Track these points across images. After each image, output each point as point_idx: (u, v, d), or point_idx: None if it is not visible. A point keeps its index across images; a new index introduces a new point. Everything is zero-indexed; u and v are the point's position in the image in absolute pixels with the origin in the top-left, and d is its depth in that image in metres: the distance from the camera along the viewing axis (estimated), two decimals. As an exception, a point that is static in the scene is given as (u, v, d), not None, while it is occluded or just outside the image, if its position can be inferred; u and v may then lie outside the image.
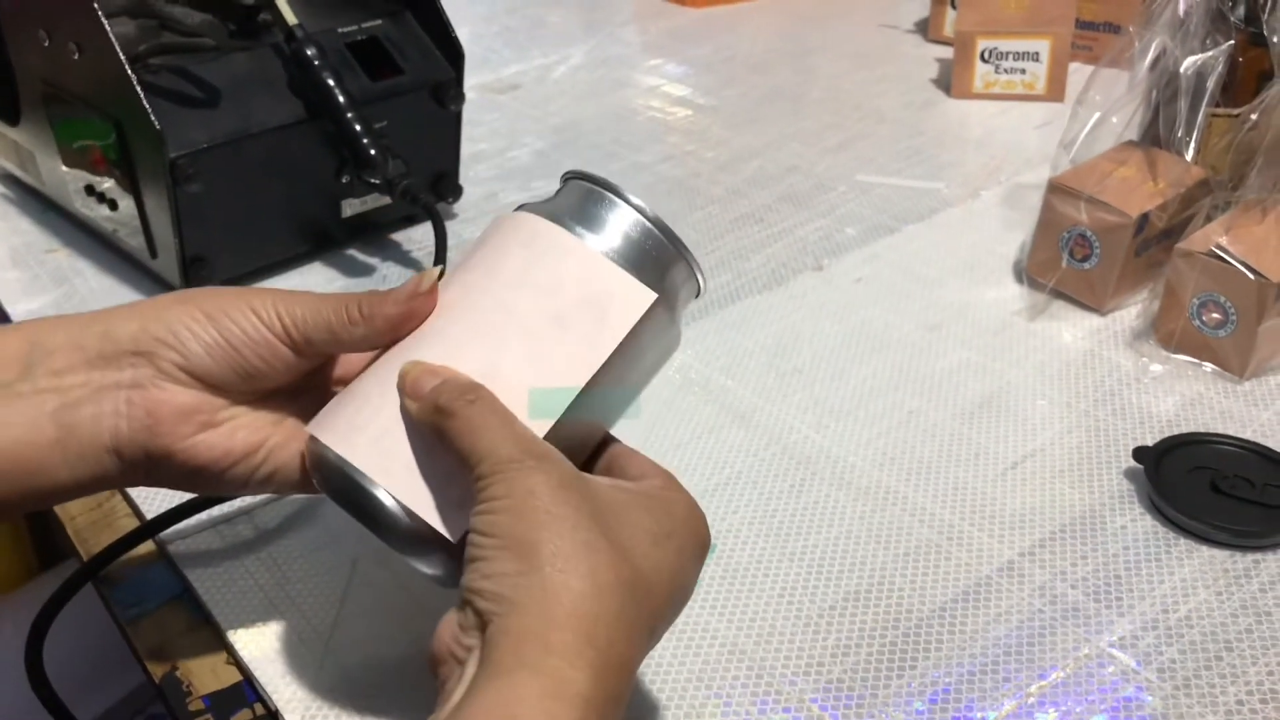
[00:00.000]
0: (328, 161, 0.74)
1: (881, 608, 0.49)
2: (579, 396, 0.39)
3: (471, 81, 1.06)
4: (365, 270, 0.77)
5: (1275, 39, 0.67)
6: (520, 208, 0.42)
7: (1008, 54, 0.98)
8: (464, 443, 0.36)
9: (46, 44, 0.71)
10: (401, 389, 0.39)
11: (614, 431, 0.42)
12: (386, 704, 0.45)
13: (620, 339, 0.39)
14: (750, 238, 0.80)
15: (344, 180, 0.74)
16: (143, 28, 0.72)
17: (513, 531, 0.34)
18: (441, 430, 0.37)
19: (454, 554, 0.37)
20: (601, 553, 0.34)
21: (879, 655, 0.47)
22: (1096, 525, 0.53)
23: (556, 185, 0.43)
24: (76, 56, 0.69)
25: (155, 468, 0.41)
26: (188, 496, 0.52)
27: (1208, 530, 0.52)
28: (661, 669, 0.46)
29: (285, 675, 0.47)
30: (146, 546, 0.54)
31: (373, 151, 0.71)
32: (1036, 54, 0.98)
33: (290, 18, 0.72)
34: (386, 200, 0.76)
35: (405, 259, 0.78)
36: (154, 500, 0.56)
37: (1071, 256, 0.68)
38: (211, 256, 0.72)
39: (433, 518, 0.38)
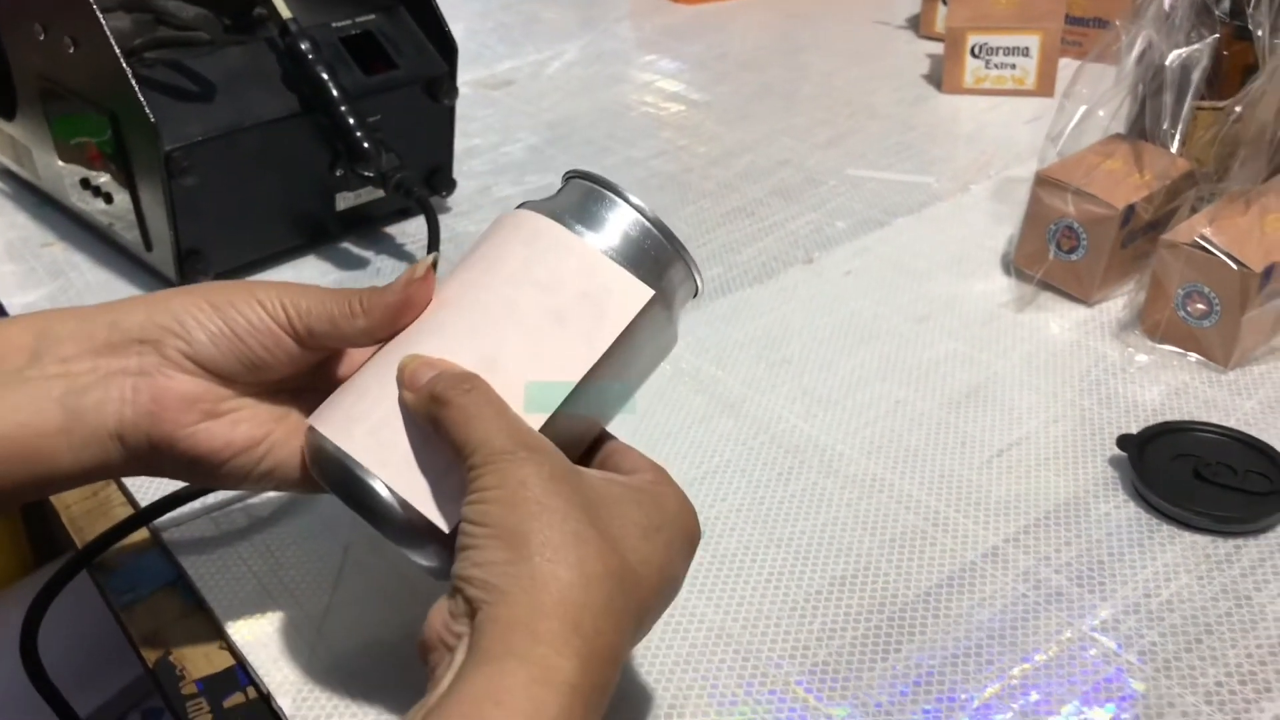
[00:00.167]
0: (322, 155, 0.74)
1: (867, 593, 0.50)
2: (575, 391, 0.39)
3: (466, 77, 1.06)
4: (359, 263, 0.78)
5: (1260, 33, 0.67)
6: (521, 205, 0.43)
7: (998, 49, 0.99)
8: (458, 432, 0.37)
9: (42, 38, 0.72)
10: (400, 381, 0.39)
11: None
12: (377, 688, 0.45)
13: (617, 335, 0.40)
14: (741, 231, 0.81)
15: (338, 174, 0.75)
16: (138, 22, 0.73)
17: (504, 521, 0.34)
18: (437, 420, 0.38)
19: (449, 546, 0.38)
20: (590, 544, 0.34)
21: (864, 639, 0.47)
22: (1080, 512, 0.54)
23: (549, 179, 0.44)
24: (72, 51, 0.70)
25: (157, 456, 0.41)
26: (183, 485, 0.53)
27: (1190, 516, 0.53)
28: (649, 653, 0.47)
29: (277, 659, 0.47)
30: (140, 534, 0.54)
31: (366, 145, 0.72)
32: (1026, 49, 0.99)
33: (285, 12, 0.72)
34: (380, 193, 0.77)
35: (399, 252, 0.79)
36: (148, 489, 0.57)
37: (1059, 248, 0.69)
38: (206, 249, 0.72)
39: (428, 508, 0.38)
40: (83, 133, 0.73)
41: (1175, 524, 0.53)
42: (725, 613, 0.49)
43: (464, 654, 0.33)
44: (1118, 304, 0.69)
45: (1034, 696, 0.45)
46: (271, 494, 0.56)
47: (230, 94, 0.71)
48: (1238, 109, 0.66)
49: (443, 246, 0.77)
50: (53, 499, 0.58)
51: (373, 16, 0.78)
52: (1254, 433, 0.57)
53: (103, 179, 0.74)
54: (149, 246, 0.73)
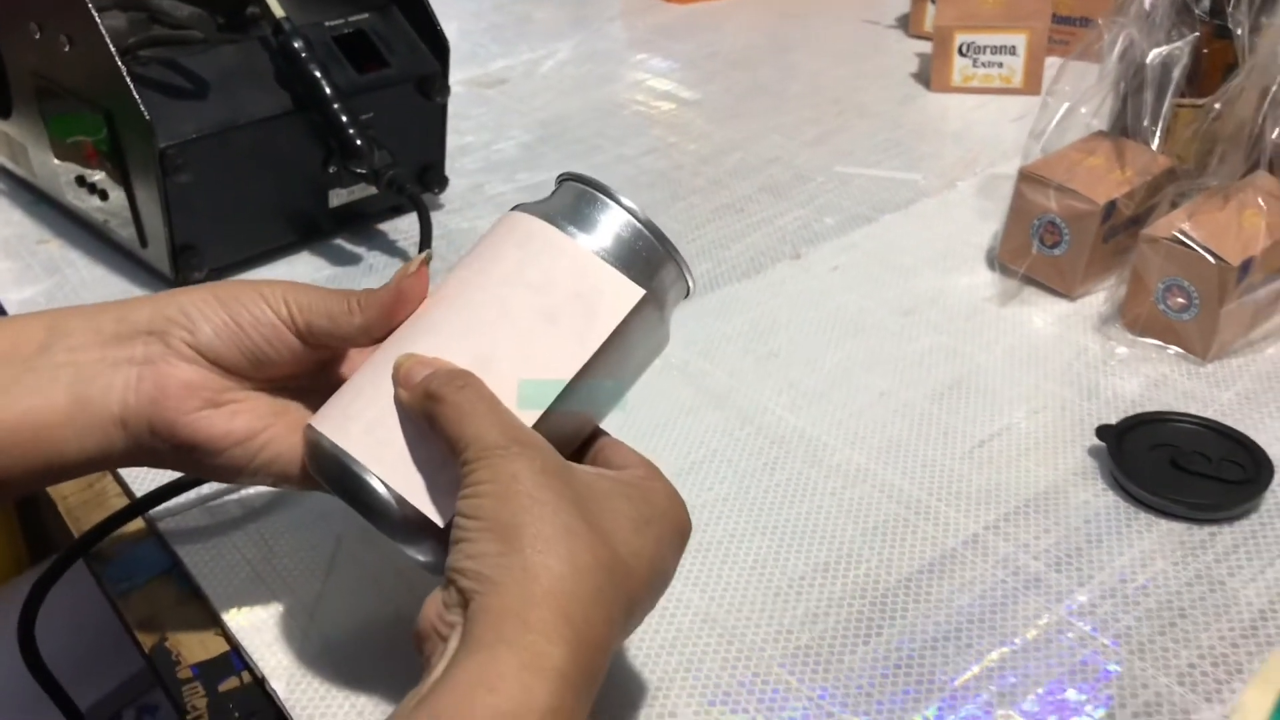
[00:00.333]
0: (315, 152, 0.75)
1: (850, 579, 0.51)
2: (567, 388, 0.40)
3: (459, 76, 1.07)
4: (352, 259, 0.79)
5: (1239, 31, 0.68)
6: (516, 208, 0.43)
7: (985, 48, 1.00)
8: (452, 429, 0.38)
9: (38, 37, 0.73)
10: (395, 379, 0.40)
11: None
12: (369, 672, 0.46)
13: (608, 333, 0.41)
14: (730, 227, 0.82)
15: (331, 171, 0.76)
16: (132, 21, 0.74)
17: (496, 515, 0.35)
18: (431, 416, 0.39)
19: (443, 540, 0.38)
20: (581, 536, 0.35)
21: (846, 623, 0.48)
22: (1060, 500, 0.55)
23: (541, 177, 0.45)
24: (68, 49, 0.71)
25: (157, 442, 0.42)
26: (179, 476, 0.54)
27: (1166, 504, 0.54)
28: (636, 638, 0.48)
29: (271, 645, 0.48)
30: (136, 524, 0.55)
31: (359, 142, 0.73)
32: (1013, 48, 1.00)
33: (278, 11, 0.73)
34: (373, 190, 0.78)
35: (391, 248, 0.80)
36: (144, 480, 0.58)
37: (1042, 243, 0.70)
38: (201, 245, 0.73)
39: (423, 504, 0.39)
40: (78, 130, 0.74)
41: (1152, 512, 0.54)
42: (711, 598, 0.50)
43: (457, 642, 0.34)
44: (1100, 298, 0.70)
45: (1011, 679, 0.46)
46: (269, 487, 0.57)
47: (224, 92, 0.72)
48: (1217, 106, 0.67)
49: (435, 243, 0.78)
50: (50, 490, 0.59)
51: (365, 15, 0.79)
52: (1231, 423, 0.58)
53: (98, 176, 0.75)
54: (144, 243, 0.74)
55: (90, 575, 0.55)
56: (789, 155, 0.92)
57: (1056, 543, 0.52)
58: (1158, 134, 0.70)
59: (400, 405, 0.40)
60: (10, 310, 0.74)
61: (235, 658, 0.49)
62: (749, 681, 0.46)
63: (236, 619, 0.49)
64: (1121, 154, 0.71)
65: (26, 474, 0.42)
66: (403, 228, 0.82)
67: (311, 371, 0.45)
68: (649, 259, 0.42)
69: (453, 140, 0.88)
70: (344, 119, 0.73)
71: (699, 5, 1.31)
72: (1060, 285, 0.71)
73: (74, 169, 0.77)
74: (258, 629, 0.49)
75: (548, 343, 0.40)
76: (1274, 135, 0.64)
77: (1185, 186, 0.68)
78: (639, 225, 0.42)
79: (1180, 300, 0.64)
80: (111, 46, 0.67)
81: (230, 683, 0.48)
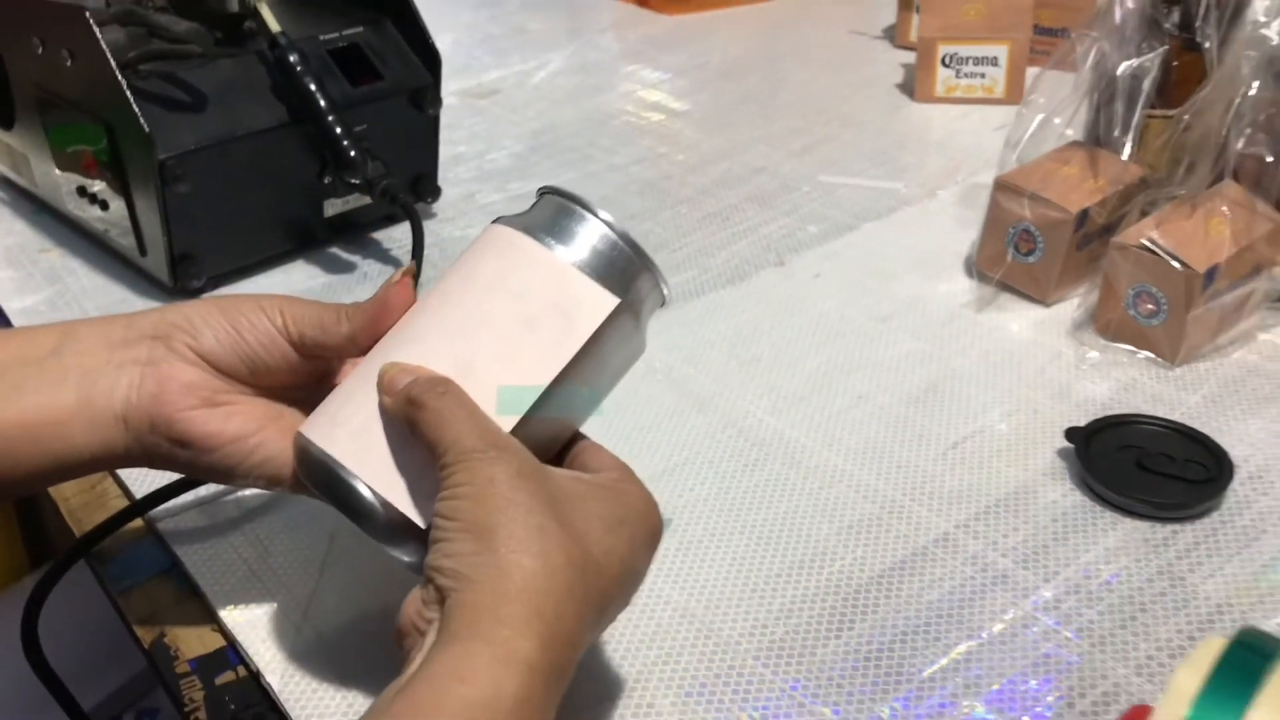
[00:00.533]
0: (310, 163, 0.77)
1: (824, 575, 0.53)
2: (545, 394, 0.42)
3: (453, 87, 1.10)
4: (347, 267, 0.81)
5: (1207, 45, 0.71)
6: (497, 220, 0.45)
7: (968, 59, 1.02)
8: (432, 433, 0.40)
9: (40, 51, 0.75)
10: (379, 386, 0.42)
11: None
12: (359, 666, 0.48)
13: (584, 341, 0.42)
14: (716, 235, 0.83)
15: (326, 181, 0.78)
16: (132, 35, 0.75)
17: (472, 515, 0.37)
18: (413, 422, 0.40)
19: (426, 542, 0.40)
20: (553, 536, 0.37)
21: (819, 618, 0.50)
22: (1029, 500, 0.57)
23: (533, 186, 0.47)
24: (69, 63, 0.73)
25: (157, 439, 0.44)
26: (177, 478, 0.56)
27: (1131, 504, 0.55)
28: (615, 633, 0.49)
29: (266, 640, 0.50)
30: (136, 524, 0.57)
31: (353, 153, 0.75)
32: (995, 59, 1.02)
33: (274, 25, 0.75)
34: (367, 200, 0.80)
35: (385, 257, 0.82)
36: (144, 483, 0.59)
37: (1017, 251, 0.72)
38: (199, 254, 0.75)
39: (406, 507, 0.41)
40: (79, 142, 0.76)
41: (1117, 511, 0.56)
42: (689, 594, 0.52)
43: (434, 637, 0.36)
44: (1074, 304, 0.72)
45: (977, 670, 0.47)
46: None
47: (222, 105, 0.74)
48: (1186, 118, 0.69)
49: (428, 251, 0.80)
50: (52, 493, 0.61)
51: (359, 29, 0.81)
52: (1198, 425, 0.60)
53: (98, 186, 0.77)
54: (144, 252, 0.76)
55: (89, 581, 0.57)
56: (775, 165, 0.94)
57: (1024, 540, 0.54)
58: (1128, 144, 0.72)
59: (384, 412, 0.42)
60: (13, 318, 0.76)
61: (231, 653, 0.50)
62: (725, 674, 0.48)
63: (233, 615, 0.51)
64: (1095, 163, 0.73)
65: (35, 471, 0.44)
66: (396, 236, 0.84)
67: (307, 382, 0.47)
68: (625, 270, 0.43)
69: (446, 150, 0.90)
70: (338, 131, 0.75)
71: (689, 16, 1.33)
72: (1035, 292, 0.73)
73: (75, 179, 0.79)
74: (253, 625, 0.51)
75: (526, 351, 0.42)
76: (1238, 146, 0.65)
77: (1155, 195, 0.70)
78: (615, 237, 0.43)
79: (1149, 306, 0.66)
80: (112, 60, 0.69)
81: (226, 676, 0.49)
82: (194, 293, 0.76)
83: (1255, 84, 0.64)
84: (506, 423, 0.41)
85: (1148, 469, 0.57)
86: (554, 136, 1.02)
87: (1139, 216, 0.69)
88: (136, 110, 0.69)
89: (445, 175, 0.90)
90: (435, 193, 0.87)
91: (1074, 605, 0.51)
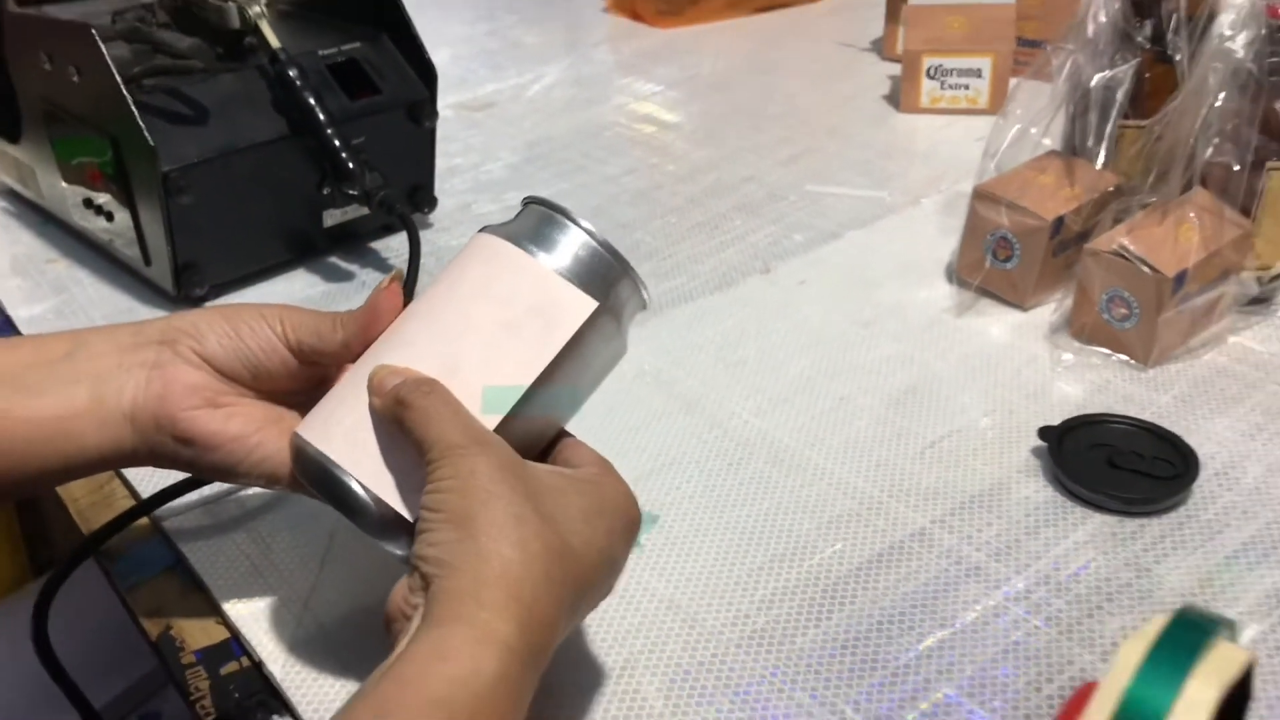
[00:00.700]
0: (310, 175, 0.79)
1: (804, 568, 0.55)
2: (527, 394, 0.44)
3: (450, 100, 1.12)
4: (345, 276, 0.83)
5: (1178, 57, 0.73)
6: (483, 229, 0.48)
7: (952, 71, 1.05)
8: (419, 431, 0.42)
9: (48, 67, 0.77)
10: (370, 388, 0.45)
11: (572, 423, 0.48)
12: (356, 655, 0.50)
13: (564, 343, 0.44)
14: (705, 244, 0.86)
15: (325, 192, 0.80)
16: (136, 51, 0.78)
17: (455, 506, 0.39)
18: (400, 421, 0.43)
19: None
20: (531, 525, 0.39)
21: (799, 609, 0.52)
22: (1003, 496, 0.59)
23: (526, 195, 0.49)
24: (76, 78, 0.75)
25: (161, 437, 0.47)
26: (182, 478, 0.58)
27: (1101, 499, 0.58)
28: (603, 623, 0.52)
29: (268, 632, 0.52)
30: (142, 523, 0.59)
31: (351, 166, 0.77)
32: (979, 70, 1.04)
33: (274, 41, 0.77)
34: (365, 211, 0.82)
35: (383, 265, 0.84)
36: (150, 484, 0.61)
37: (995, 257, 0.74)
38: (202, 263, 0.77)
39: (396, 502, 0.43)
40: (85, 154, 0.79)
41: (1088, 506, 0.58)
42: (675, 587, 0.54)
43: (419, 621, 0.38)
44: (1050, 309, 0.74)
45: (950, 657, 0.50)
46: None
47: (224, 118, 0.76)
48: (1158, 128, 0.72)
49: (424, 260, 0.82)
50: (61, 493, 0.63)
51: (357, 45, 0.83)
52: (1168, 425, 0.62)
53: (103, 199, 0.79)
54: (148, 261, 0.78)
55: (93, 588, 0.59)
56: (762, 175, 0.97)
57: (998, 535, 0.56)
58: (1101, 153, 0.74)
59: (374, 412, 0.44)
60: (20, 326, 0.79)
61: (235, 644, 0.52)
62: (708, 661, 0.50)
63: (236, 608, 0.53)
64: (1071, 172, 0.75)
65: (47, 469, 0.46)
66: (394, 246, 0.86)
67: (306, 388, 0.50)
68: (605, 275, 0.46)
69: (443, 162, 0.92)
70: (337, 143, 0.77)
71: (681, 30, 1.36)
72: (1013, 297, 0.75)
73: (81, 191, 0.82)
74: (256, 618, 0.53)
75: (509, 353, 0.44)
76: (1206, 155, 0.68)
77: (1127, 203, 0.72)
78: (595, 244, 0.46)
79: (1122, 310, 0.68)
80: (118, 76, 0.71)
81: (230, 666, 0.51)
82: (197, 301, 0.78)
83: (1221, 95, 0.66)
84: (491, 421, 0.43)
85: (1118, 466, 0.59)
86: (548, 148, 1.05)
87: (1112, 224, 0.72)
88: (141, 124, 0.71)
89: (441, 186, 0.92)
90: (432, 203, 0.90)
91: (1044, 595, 0.53)
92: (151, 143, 0.71)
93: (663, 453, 0.63)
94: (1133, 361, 0.69)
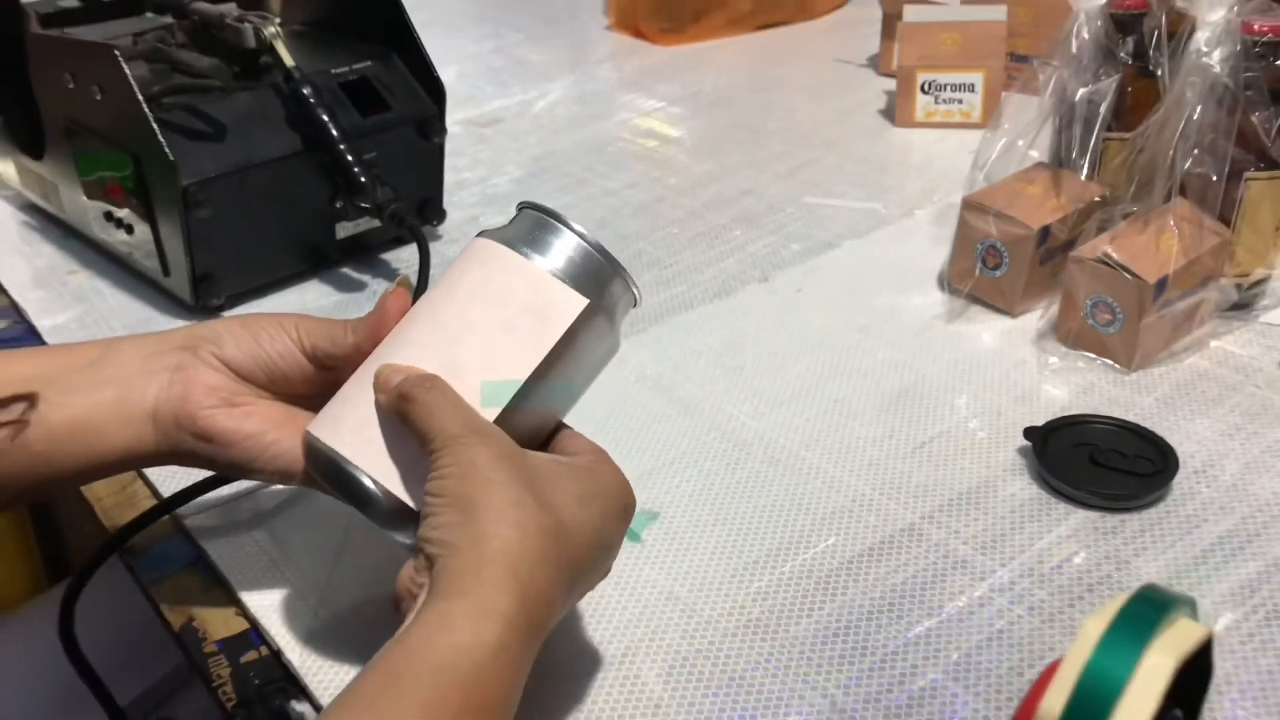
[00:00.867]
0: (323, 188, 0.82)
1: (798, 562, 0.57)
2: (524, 388, 0.47)
3: (457, 116, 1.15)
4: (357, 286, 0.86)
5: (1160, 72, 0.76)
6: (480, 234, 0.50)
7: (946, 86, 1.08)
8: (422, 424, 0.45)
9: (71, 86, 0.80)
10: (375, 386, 0.47)
11: (573, 422, 0.50)
12: (370, 642, 0.51)
13: (558, 339, 0.47)
14: (705, 254, 0.88)
15: (338, 205, 0.83)
16: (156, 71, 0.81)
17: (457, 492, 0.42)
18: (404, 415, 0.45)
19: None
20: (529, 508, 0.42)
21: (792, 600, 0.55)
22: (989, 493, 0.61)
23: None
24: (99, 97, 0.78)
25: (182, 435, 0.49)
26: (202, 478, 0.60)
27: (1084, 495, 0.60)
28: (604, 613, 0.54)
29: (286, 622, 0.54)
30: (164, 522, 0.62)
31: (363, 179, 0.80)
32: (972, 85, 1.07)
33: (289, 60, 0.80)
34: (376, 223, 0.85)
35: (394, 276, 0.87)
36: (171, 484, 0.64)
37: (984, 265, 0.77)
38: (219, 274, 0.80)
39: (401, 492, 0.46)
40: (106, 170, 0.82)
41: (1071, 502, 0.60)
42: (674, 579, 0.56)
43: (424, 598, 0.41)
44: (1038, 315, 0.77)
45: (936, 644, 0.52)
46: (280, 486, 0.63)
47: (240, 134, 0.79)
48: (1140, 140, 0.74)
49: (433, 271, 0.84)
50: (86, 493, 0.65)
51: (369, 64, 0.86)
52: (1151, 426, 0.64)
53: (124, 212, 0.82)
54: (166, 272, 0.81)
55: (109, 596, 0.61)
56: (761, 188, 0.99)
57: (984, 530, 0.59)
58: (1085, 164, 0.76)
59: (380, 409, 0.47)
60: (44, 334, 0.81)
61: (254, 634, 0.55)
62: (705, 649, 0.52)
63: (255, 601, 0.56)
64: (1057, 183, 0.78)
65: (77, 468, 0.49)
66: (404, 257, 0.89)
67: (321, 391, 0.52)
68: (597, 275, 0.48)
69: (451, 176, 0.95)
70: (349, 158, 0.80)
71: (683, 48, 1.39)
72: (1002, 303, 0.77)
73: (101, 206, 0.85)
74: (274, 609, 0.55)
75: (506, 349, 0.47)
76: (1185, 166, 0.70)
77: (1111, 212, 0.75)
78: (587, 246, 0.48)
79: (1106, 315, 0.70)
80: (139, 94, 0.74)
81: (250, 655, 0.54)
82: (214, 310, 0.81)
83: (1199, 108, 0.69)
84: (490, 414, 0.46)
85: (1100, 464, 0.62)
86: (553, 162, 1.07)
87: (1097, 232, 0.74)
88: (162, 140, 0.74)
89: (450, 199, 0.95)
90: (441, 216, 0.93)
91: (1027, 586, 0.55)
92: (172, 158, 0.74)
93: (663, 453, 0.66)
94: (1117, 365, 0.71)
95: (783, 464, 0.64)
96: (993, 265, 0.77)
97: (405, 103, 0.87)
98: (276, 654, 0.53)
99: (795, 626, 0.53)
